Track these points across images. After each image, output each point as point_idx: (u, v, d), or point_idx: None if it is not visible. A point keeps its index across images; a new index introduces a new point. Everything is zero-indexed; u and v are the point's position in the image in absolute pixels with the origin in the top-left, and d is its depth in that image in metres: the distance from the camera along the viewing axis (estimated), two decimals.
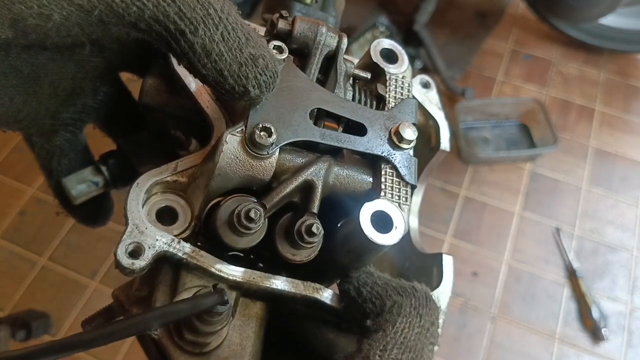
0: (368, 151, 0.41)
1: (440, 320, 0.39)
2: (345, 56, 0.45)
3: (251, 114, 0.38)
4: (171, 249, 0.36)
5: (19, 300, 1.73)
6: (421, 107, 0.52)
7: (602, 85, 2.34)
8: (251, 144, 0.37)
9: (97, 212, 0.49)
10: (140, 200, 0.37)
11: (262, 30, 0.45)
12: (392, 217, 0.38)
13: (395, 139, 0.42)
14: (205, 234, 0.40)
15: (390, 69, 0.46)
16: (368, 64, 0.46)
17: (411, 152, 0.42)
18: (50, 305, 1.66)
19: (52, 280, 1.77)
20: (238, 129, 0.38)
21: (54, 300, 1.71)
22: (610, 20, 2.26)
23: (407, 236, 0.49)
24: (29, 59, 0.35)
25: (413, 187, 0.41)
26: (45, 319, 1.50)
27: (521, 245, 1.89)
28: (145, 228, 0.36)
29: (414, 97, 0.46)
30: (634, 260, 1.88)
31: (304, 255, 0.39)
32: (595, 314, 1.73)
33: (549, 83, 2.33)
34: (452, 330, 1.72)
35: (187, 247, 0.37)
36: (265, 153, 0.38)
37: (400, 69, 0.46)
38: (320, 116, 0.42)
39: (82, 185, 0.46)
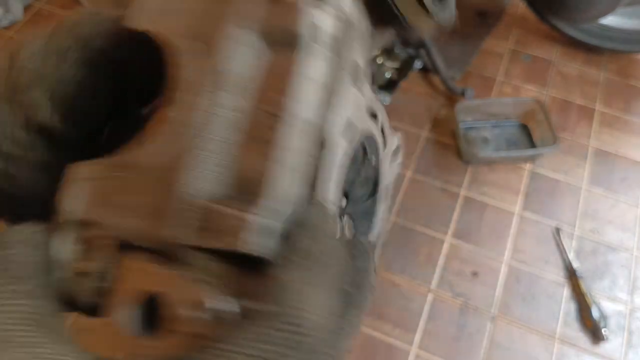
0: None
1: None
2: None
3: None
4: None
5: None
6: None
7: (602, 85, 2.34)
8: None
9: None
10: None
11: None
12: None
13: None
14: None
15: None
16: None
17: None
18: None
19: None
20: None
21: None
22: (610, 20, 2.26)
23: None
24: None
25: None
26: None
27: (521, 245, 1.89)
28: None
29: None
30: (634, 260, 1.88)
31: None
32: (595, 314, 1.73)
33: (549, 83, 2.33)
34: (452, 330, 1.72)
35: None
36: None
37: None
38: None
39: None
